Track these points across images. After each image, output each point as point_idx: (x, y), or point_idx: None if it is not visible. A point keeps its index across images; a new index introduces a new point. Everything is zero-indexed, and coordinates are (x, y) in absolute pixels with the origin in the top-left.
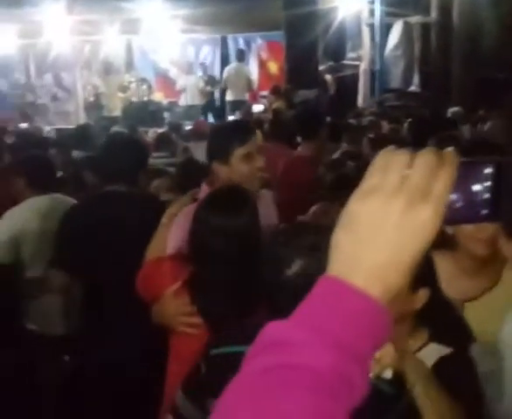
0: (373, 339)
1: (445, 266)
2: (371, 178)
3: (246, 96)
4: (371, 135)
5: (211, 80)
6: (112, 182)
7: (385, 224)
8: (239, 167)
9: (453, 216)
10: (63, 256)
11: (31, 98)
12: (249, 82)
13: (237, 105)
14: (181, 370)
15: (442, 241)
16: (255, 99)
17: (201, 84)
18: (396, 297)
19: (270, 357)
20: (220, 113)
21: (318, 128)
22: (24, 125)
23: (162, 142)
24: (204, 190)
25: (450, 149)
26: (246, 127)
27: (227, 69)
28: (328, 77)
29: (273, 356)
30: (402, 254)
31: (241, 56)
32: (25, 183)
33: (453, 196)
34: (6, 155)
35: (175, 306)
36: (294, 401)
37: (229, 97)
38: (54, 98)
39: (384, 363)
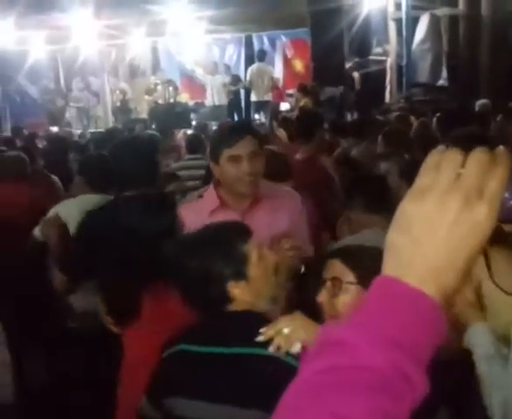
0: (430, 337)
1: (500, 261)
2: (424, 178)
3: (269, 96)
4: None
5: (233, 79)
6: (129, 186)
7: (440, 224)
8: (227, 168)
9: (505, 215)
10: (70, 263)
11: (60, 102)
12: (272, 81)
13: (260, 105)
14: (128, 371)
15: (498, 236)
16: (281, 97)
17: (226, 83)
18: (452, 296)
19: (329, 358)
20: (245, 113)
21: (314, 130)
22: (54, 129)
23: (193, 144)
24: (209, 190)
25: (502, 148)
26: (237, 129)
27: (249, 70)
28: (355, 74)
29: (332, 357)
30: (457, 253)
31: (262, 56)
32: (84, 182)
33: (506, 195)
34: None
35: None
36: (355, 401)
37: (253, 97)
38: (83, 102)
39: (294, 338)
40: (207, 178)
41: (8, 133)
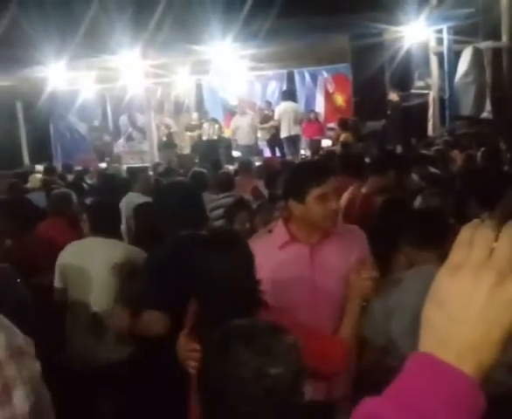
0: (468, 413)
1: None
2: (458, 253)
3: (298, 130)
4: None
5: (267, 117)
6: (180, 225)
7: (476, 300)
8: (314, 206)
9: None
10: (150, 296)
11: (108, 139)
12: (297, 116)
13: (290, 140)
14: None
15: None
16: (321, 131)
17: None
18: (489, 369)
19: None
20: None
21: (389, 163)
22: (102, 165)
23: (225, 182)
24: (279, 225)
25: None
26: (323, 168)
27: (276, 110)
28: (393, 98)
29: None
30: (494, 329)
31: (286, 96)
32: (89, 227)
33: None
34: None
35: (184, 349)
36: None
37: (283, 134)
38: (129, 138)
39: None
40: (228, 215)
41: (59, 168)
